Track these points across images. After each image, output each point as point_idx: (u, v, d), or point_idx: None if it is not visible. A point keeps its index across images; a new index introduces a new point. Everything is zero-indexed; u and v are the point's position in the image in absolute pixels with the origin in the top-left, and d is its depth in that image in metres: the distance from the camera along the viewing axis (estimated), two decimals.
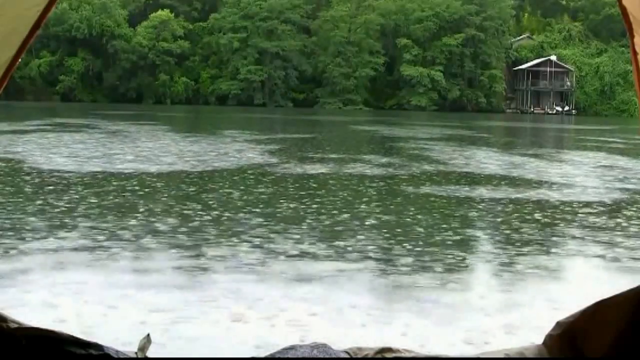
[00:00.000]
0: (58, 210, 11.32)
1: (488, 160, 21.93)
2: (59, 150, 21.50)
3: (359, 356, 3.46)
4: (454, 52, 79.35)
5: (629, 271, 8.30)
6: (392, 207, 12.73)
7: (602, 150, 27.34)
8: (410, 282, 7.58)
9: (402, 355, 3.53)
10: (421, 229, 10.61)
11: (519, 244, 9.67)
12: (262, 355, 3.59)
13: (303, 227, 10.53)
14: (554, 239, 10.18)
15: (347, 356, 3.44)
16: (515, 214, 12.22)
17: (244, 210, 11.92)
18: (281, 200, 13.11)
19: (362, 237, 9.89)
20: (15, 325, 3.30)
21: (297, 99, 78.12)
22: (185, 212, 11.59)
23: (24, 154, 19.89)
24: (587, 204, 13.41)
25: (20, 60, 3.30)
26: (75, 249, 8.65)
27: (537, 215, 12.12)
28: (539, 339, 3.54)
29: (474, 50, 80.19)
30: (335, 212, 11.92)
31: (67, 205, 11.80)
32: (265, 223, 10.69)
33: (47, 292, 6.80)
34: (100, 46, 76.32)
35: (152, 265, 8.15)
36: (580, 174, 18.84)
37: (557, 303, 6.85)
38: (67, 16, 74.77)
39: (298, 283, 7.50)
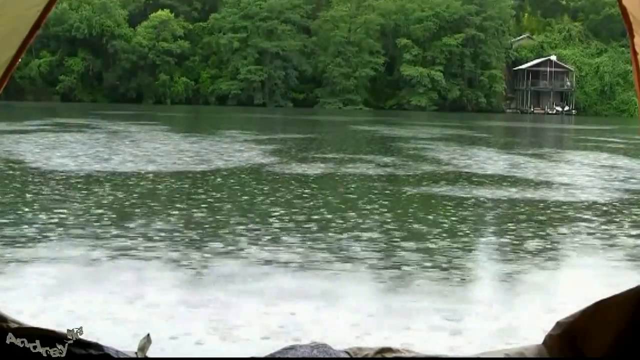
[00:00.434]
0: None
1: (488, 161, 21.94)
2: (59, 150, 21.50)
3: (359, 356, 3.46)
4: (454, 52, 79.33)
5: (629, 271, 8.30)
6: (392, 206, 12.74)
7: (602, 150, 27.34)
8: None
9: (402, 355, 3.53)
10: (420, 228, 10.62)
11: (518, 243, 9.68)
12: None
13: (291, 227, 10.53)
14: (554, 239, 10.18)
15: (347, 356, 3.44)
16: (515, 214, 12.22)
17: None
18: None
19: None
20: (15, 325, 3.30)
21: (297, 99, 78.11)
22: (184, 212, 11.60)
23: (25, 154, 19.90)
24: (588, 204, 13.41)
25: (20, 60, 3.30)
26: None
27: (537, 215, 12.12)
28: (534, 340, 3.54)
29: (474, 50, 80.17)
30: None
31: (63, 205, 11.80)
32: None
33: None
34: (100, 46, 76.30)
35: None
36: (581, 174, 18.84)
37: (555, 304, 6.86)
38: (67, 16, 74.75)
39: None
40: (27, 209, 11.45)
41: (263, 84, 77.30)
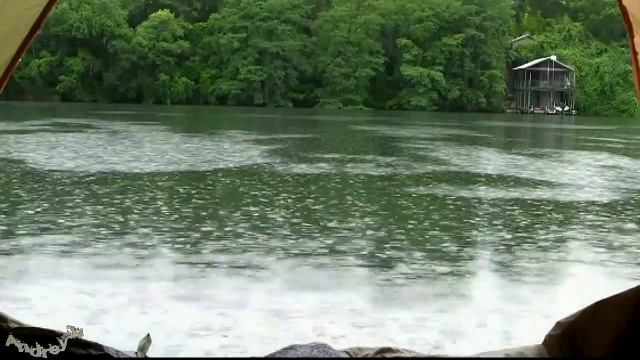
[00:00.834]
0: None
1: (488, 160, 21.93)
2: (58, 150, 21.50)
3: (359, 356, 3.46)
4: (454, 52, 79.32)
5: (629, 271, 8.30)
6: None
7: (602, 150, 27.33)
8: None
9: (402, 355, 3.53)
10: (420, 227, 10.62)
11: (518, 243, 9.68)
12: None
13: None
14: (554, 238, 10.18)
15: (347, 356, 3.44)
16: (515, 214, 12.22)
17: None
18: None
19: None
20: (15, 325, 3.29)
21: (297, 99, 78.08)
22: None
23: (25, 154, 19.90)
24: (588, 204, 13.40)
25: (20, 60, 3.29)
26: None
27: (536, 215, 12.12)
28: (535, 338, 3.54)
29: (474, 50, 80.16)
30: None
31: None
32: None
33: None
34: (100, 46, 76.28)
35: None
36: (581, 174, 18.83)
37: (555, 303, 6.86)
38: (67, 16, 74.73)
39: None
40: None
41: (263, 84, 77.29)
